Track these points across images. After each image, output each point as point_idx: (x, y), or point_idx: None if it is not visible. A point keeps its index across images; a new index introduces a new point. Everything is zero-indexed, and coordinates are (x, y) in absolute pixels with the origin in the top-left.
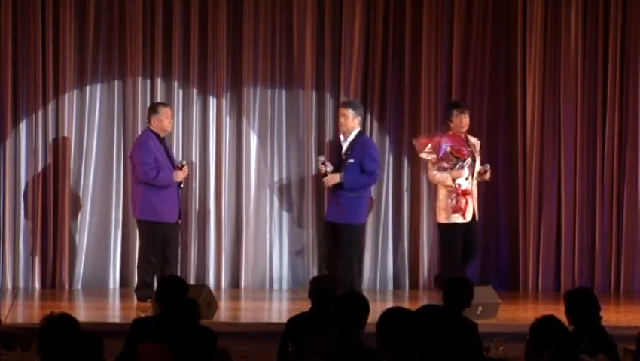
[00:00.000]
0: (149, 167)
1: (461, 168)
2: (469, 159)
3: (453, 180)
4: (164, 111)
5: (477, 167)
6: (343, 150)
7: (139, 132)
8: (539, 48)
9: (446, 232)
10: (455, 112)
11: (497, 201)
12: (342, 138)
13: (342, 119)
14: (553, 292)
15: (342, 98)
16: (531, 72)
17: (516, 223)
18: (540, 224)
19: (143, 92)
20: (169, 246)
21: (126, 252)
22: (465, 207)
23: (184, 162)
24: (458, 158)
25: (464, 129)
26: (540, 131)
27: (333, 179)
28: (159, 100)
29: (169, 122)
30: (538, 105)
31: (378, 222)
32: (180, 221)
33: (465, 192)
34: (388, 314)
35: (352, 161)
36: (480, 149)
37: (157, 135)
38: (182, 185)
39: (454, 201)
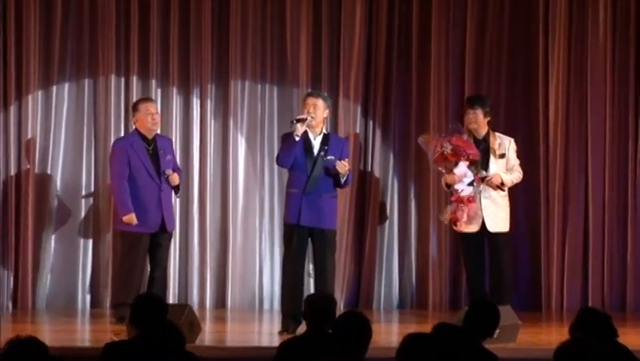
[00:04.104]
0: (116, 176)
1: (457, 171)
2: (464, 163)
3: (447, 186)
4: (144, 107)
5: (491, 170)
6: (317, 146)
7: (112, 136)
8: (563, 38)
9: (460, 243)
10: (466, 107)
11: (516, 210)
12: (309, 133)
13: (311, 110)
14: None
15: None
16: (554, 65)
17: (538, 236)
18: (565, 236)
19: (117, 92)
20: (154, 258)
21: (97, 267)
22: (464, 217)
23: (169, 172)
24: (455, 162)
25: (473, 127)
26: (565, 133)
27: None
28: (135, 99)
29: (153, 119)
30: (562, 103)
31: (382, 234)
32: (170, 230)
33: (468, 200)
34: (412, 341)
35: (332, 157)
36: (516, 150)
37: (143, 136)
38: (178, 193)
39: (450, 210)
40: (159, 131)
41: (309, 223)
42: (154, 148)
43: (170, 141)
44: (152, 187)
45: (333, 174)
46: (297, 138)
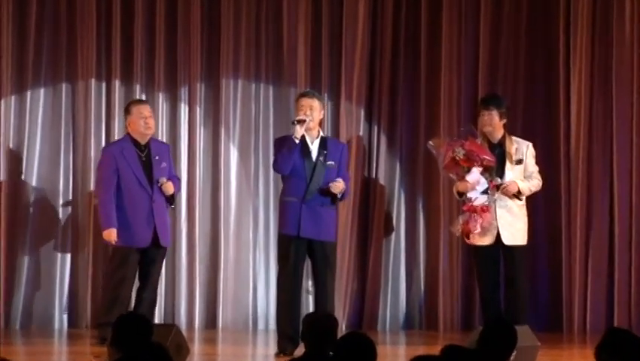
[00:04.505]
0: (102, 185)
1: (469, 178)
2: (477, 169)
3: (460, 194)
4: (137, 110)
5: (507, 177)
6: (315, 151)
7: (92, 143)
8: (585, 34)
9: (472, 256)
10: (480, 108)
11: (534, 221)
12: (306, 137)
13: (307, 112)
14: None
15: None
16: (576, 63)
17: (559, 249)
18: (589, 249)
19: (97, 97)
20: (144, 276)
21: (76, 284)
22: (478, 228)
23: (163, 180)
24: (467, 168)
25: (488, 130)
26: (588, 137)
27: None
28: (117, 105)
29: (146, 123)
30: (585, 104)
31: (387, 247)
32: (163, 246)
33: (481, 210)
34: None
35: (332, 163)
36: (534, 156)
37: (136, 141)
38: (173, 203)
39: (462, 221)
40: (157, 136)
41: (309, 235)
42: (148, 154)
43: (167, 146)
44: (143, 198)
45: (327, 194)
46: (297, 141)
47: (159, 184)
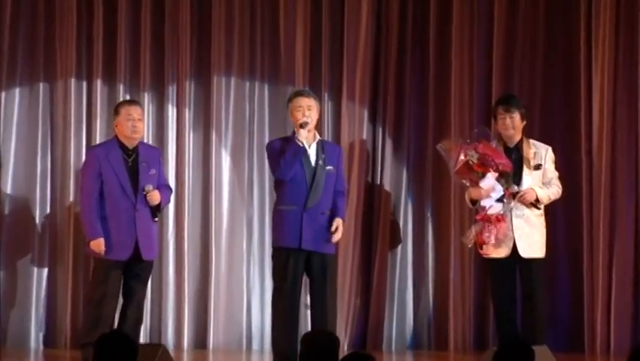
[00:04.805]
0: (85, 191)
1: (483, 184)
2: (492, 174)
3: (472, 202)
4: (125, 111)
5: (525, 184)
6: (313, 155)
7: (72, 147)
8: (609, 28)
9: (487, 270)
10: (500, 110)
11: (553, 232)
12: (304, 139)
13: (306, 113)
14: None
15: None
16: (599, 60)
17: (580, 262)
18: (612, 263)
19: (77, 97)
20: (128, 292)
21: (54, 300)
22: (492, 239)
23: (149, 188)
24: (482, 173)
25: (509, 133)
26: (612, 140)
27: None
28: (99, 105)
29: (134, 126)
30: (608, 104)
31: (394, 260)
32: (146, 260)
33: (496, 219)
34: None
35: (331, 168)
36: (554, 161)
37: (123, 145)
38: (157, 215)
39: (475, 231)
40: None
41: (311, 247)
42: (135, 160)
43: (158, 151)
44: (125, 207)
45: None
46: (302, 145)
47: (144, 193)
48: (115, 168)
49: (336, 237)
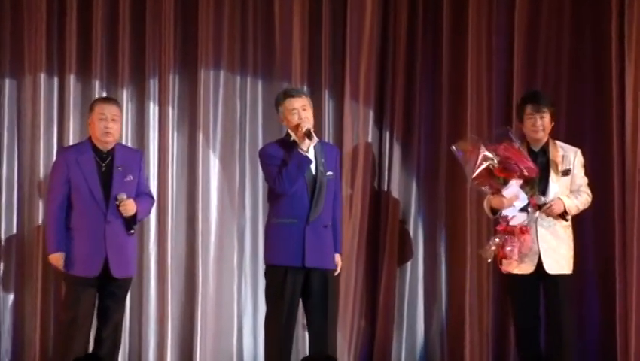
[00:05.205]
0: (51, 197)
1: (506, 192)
2: (516, 181)
3: (493, 211)
4: (98, 110)
5: (552, 192)
6: (314, 158)
7: (41, 150)
8: None
9: (507, 288)
10: (528, 109)
11: (582, 245)
12: (300, 144)
13: (303, 115)
14: None
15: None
16: (633, 51)
17: (612, 278)
18: None
19: (48, 94)
20: (102, 312)
21: (20, 322)
22: (515, 254)
23: (123, 197)
24: (504, 179)
25: (539, 136)
26: None
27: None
28: (72, 104)
29: (106, 127)
30: None
31: (403, 275)
32: (117, 277)
33: (520, 231)
34: None
35: (331, 173)
36: (583, 165)
37: (97, 148)
38: (132, 229)
39: (495, 244)
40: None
41: (315, 264)
42: (110, 164)
43: (138, 154)
44: (95, 217)
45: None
46: (307, 155)
47: (116, 202)
48: (85, 173)
49: (336, 273)
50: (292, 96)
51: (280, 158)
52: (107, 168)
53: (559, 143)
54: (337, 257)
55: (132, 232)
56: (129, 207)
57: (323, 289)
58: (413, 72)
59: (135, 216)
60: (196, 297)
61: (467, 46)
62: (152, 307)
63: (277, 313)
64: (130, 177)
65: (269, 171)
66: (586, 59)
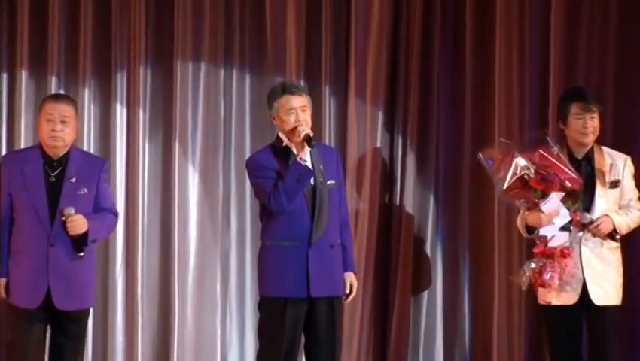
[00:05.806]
0: None
1: (545, 207)
2: (556, 194)
3: (529, 230)
4: (45, 109)
5: (598, 207)
6: (313, 165)
7: None
8: None
9: (544, 320)
10: (574, 107)
11: (631, 268)
12: (293, 150)
13: (301, 117)
14: None
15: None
16: None
17: None
18: None
19: None
20: (53, 351)
21: None
22: (555, 281)
23: (70, 211)
24: (542, 192)
25: (589, 140)
26: None
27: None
28: (23, 103)
29: (52, 130)
30: None
31: (418, 304)
32: (59, 307)
33: (561, 254)
34: None
35: (333, 182)
36: (634, 175)
37: (47, 154)
38: (82, 251)
39: (531, 270)
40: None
41: (322, 293)
42: (60, 174)
43: (101, 162)
44: (37, 237)
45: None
46: (307, 164)
47: (62, 218)
48: (29, 184)
49: (352, 297)
50: (292, 93)
51: (274, 169)
52: (56, 179)
53: (605, 149)
54: (351, 276)
55: (81, 254)
56: (78, 224)
57: (330, 318)
58: (430, 65)
59: (85, 235)
60: (172, 332)
61: (494, 35)
62: (119, 344)
63: (273, 353)
64: (85, 190)
65: (262, 184)
66: (636, 52)
